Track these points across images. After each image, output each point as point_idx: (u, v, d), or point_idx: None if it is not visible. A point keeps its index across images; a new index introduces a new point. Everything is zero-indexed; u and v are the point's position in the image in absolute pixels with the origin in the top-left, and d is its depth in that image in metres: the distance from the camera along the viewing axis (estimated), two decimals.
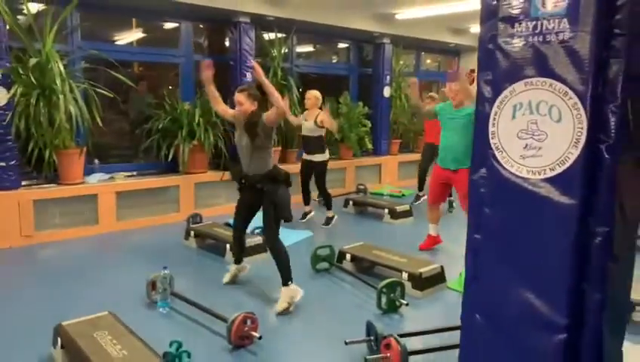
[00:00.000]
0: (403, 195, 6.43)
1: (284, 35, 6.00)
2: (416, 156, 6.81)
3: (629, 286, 1.33)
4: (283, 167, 3.32)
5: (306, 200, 4.95)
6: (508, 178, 1.29)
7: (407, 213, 5.23)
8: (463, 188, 3.48)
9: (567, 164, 1.19)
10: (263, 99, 3.00)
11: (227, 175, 5.27)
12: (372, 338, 2.34)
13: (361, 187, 6.09)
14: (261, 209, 3.03)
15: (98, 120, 4.40)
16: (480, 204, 1.36)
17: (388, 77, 7.03)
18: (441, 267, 3.34)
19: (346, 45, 7.21)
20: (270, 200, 2.94)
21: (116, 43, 5.46)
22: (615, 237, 1.18)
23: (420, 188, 5.98)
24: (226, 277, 3.34)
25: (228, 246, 3.84)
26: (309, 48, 7.20)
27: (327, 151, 4.81)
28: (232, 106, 3.18)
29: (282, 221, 3.02)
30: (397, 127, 7.40)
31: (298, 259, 3.45)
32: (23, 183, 4.30)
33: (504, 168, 1.29)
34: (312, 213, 5.00)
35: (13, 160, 4.14)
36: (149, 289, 2.97)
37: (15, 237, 4.11)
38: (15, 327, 2.69)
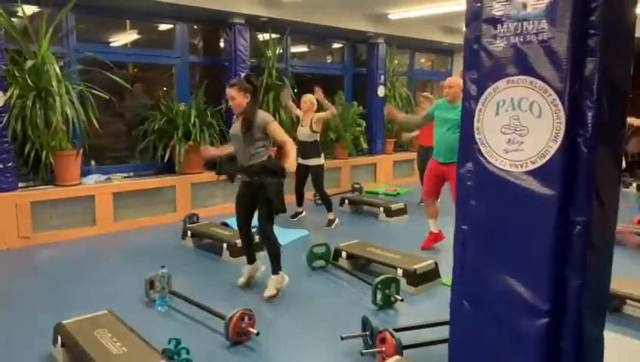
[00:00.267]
0: (398, 194, 6.50)
1: (278, 36, 6.04)
2: (411, 155, 6.88)
3: (609, 274, 1.40)
4: None
5: (299, 201, 5.05)
6: (492, 171, 1.35)
7: (402, 211, 5.30)
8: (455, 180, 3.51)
9: (547, 157, 1.25)
10: (254, 91, 3.05)
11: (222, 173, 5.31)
12: (368, 333, 2.38)
13: (357, 186, 6.14)
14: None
15: (94, 121, 4.43)
16: (467, 196, 1.42)
17: (382, 76, 7.10)
18: (435, 263, 3.40)
19: (341, 45, 7.27)
20: (265, 192, 2.99)
21: (111, 45, 5.48)
22: (594, 226, 1.24)
23: None
24: (241, 280, 3.28)
25: (225, 245, 3.88)
26: (303, 48, 7.25)
27: (322, 156, 4.87)
28: (228, 107, 3.21)
29: (276, 213, 3.07)
30: (391, 126, 7.47)
31: (294, 257, 3.51)
32: (20, 185, 4.32)
33: (489, 162, 1.36)
34: (304, 213, 5.09)
35: (10, 162, 4.16)
36: (147, 288, 3.00)
37: (13, 239, 4.13)
38: (15, 327, 2.71)
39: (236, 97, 2.98)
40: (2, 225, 4.07)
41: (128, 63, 5.49)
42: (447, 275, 3.38)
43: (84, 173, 4.68)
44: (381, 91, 7.13)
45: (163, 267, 2.93)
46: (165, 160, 5.10)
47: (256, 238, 3.85)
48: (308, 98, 4.81)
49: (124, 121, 5.56)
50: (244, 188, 3.13)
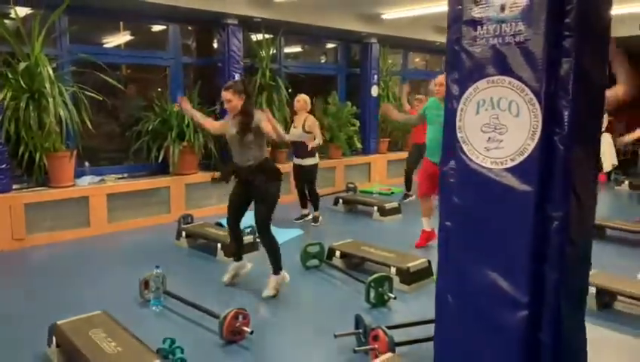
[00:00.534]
0: (392, 193, 6.54)
1: (271, 36, 6.07)
2: (405, 155, 6.92)
3: (587, 268, 1.44)
4: None
5: (303, 203, 5.02)
6: (474, 169, 1.39)
7: (396, 211, 5.34)
8: None
9: (526, 155, 1.29)
10: (249, 93, 3.09)
11: (218, 174, 5.33)
12: (361, 330, 2.41)
13: (351, 186, 6.18)
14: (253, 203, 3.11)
15: (88, 123, 4.44)
16: (450, 193, 1.46)
17: (375, 76, 7.14)
18: (429, 261, 3.42)
19: (334, 45, 7.31)
20: (260, 192, 3.02)
21: (105, 46, 5.49)
22: (571, 221, 1.29)
23: (408, 188, 6.08)
24: (226, 277, 3.34)
25: (219, 245, 3.91)
26: (297, 49, 7.28)
27: (317, 155, 4.89)
28: (222, 109, 3.23)
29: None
30: (385, 126, 7.51)
31: (289, 256, 3.52)
32: (14, 187, 4.32)
33: (470, 160, 1.40)
34: (310, 216, 5.07)
35: (4, 163, 4.17)
36: (142, 289, 3.02)
37: (7, 241, 4.13)
38: (9, 328, 2.72)
39: (232, 99, 3.01)
40: None
41: (122, 64, 5.50)
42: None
43: (78, 175, 4.69)
44: (374, 91, 7.17)
45: (157, 267, 2.95)
46: (159, 161, 5.12)
47: (249, 238, 3.91)
48: (302, 97, 4.84)
49: (117, 122, 5.56)
50: (240, 188, 3.16)
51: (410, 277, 3.26)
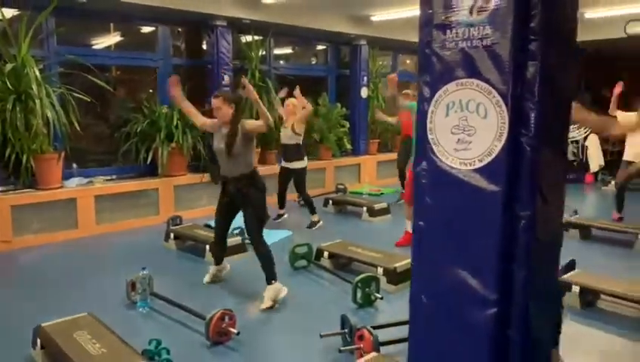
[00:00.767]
0: (382, 194, 6.58)
1: (261, 38, 6.09)
2: (395, 155, 6.96)
3: (555, 266, 1.47)
4: (262, 168, 3.40)
5: (281, 204, 5.07)
6: (444, 170, 1.42)
7: (385, 211, 5.37)
8: None
9: (493, 156, 1.32)
10: (239, 102, 3.10)
11: (207, 177, 5.34)
12: (346, 330, 2.42)
13: (341, 187, 6.21)
14: (241, 212, 3.12)
15: (76, 124, 4.43)
16: (422, 193, 1.49)
17: (365, 78, 7.18)
18: None
19: (324, 47, 7.34)
20: (248, 203, 3.04)
21: (93, 47, 5.47)
22: (538, 221, 1.32)
23: (404, 186, 6.09)
24: (207, 278, 3.39)
25: (207, 247, 3.91)
26: (287, 50, 7.30)
27: (305, 158, 4.92)
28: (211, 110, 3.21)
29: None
30: (375, 127, 7.55)
31: (277, 257, 3.50)
32: (1, 189, 4.30)
33: (441, 161, 1.43)
34: (286, 216, 5.12)
35: None
36: (128, 290, 3.02)
37: None
38: None
39: (222, 107, 3.03)
40: None
41: (111, 66, 5.49)
42: None
43: (66, 177, 4.67)
44: (364, 92, 7.21)
45: (144, 268, 2.95)
46: (148, 162, 5.11)
47: (237, 239, 3.92)
48: (291, 102, 4.89)
49: (106, 123, 5.55)
50: (227, 197, 3.14)
51: (397, 277, 3.28)
